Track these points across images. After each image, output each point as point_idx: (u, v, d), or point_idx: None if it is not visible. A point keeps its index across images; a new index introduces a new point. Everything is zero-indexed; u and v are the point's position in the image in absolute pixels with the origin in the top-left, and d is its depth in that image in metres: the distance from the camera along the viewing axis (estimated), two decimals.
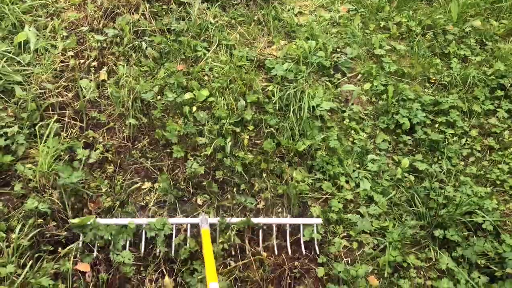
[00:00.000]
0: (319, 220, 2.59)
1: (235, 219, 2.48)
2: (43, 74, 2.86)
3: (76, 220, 2.28)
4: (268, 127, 2.98)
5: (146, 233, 2.36)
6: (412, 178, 2.93)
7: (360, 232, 2.64)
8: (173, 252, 2.35)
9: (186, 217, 2.53)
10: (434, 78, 3.56)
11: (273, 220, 2.55)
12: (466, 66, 3.68)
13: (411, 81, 3.53)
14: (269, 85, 3.22)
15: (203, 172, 2.68)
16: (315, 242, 2.53)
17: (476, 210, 2.70)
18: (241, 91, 3.08)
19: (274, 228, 2.55)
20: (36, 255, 2.19)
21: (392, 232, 2.61)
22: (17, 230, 2.21)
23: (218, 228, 2.44)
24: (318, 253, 2.51)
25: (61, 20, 3.26)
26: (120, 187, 2.57)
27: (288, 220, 2.56)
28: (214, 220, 2.46)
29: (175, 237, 2.39)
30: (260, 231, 2.51)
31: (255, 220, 2.51)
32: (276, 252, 2.47)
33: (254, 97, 3.06)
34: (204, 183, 2.67)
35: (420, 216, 2.76)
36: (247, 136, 2.93)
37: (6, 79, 2.72)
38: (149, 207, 2.54)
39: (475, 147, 3.19)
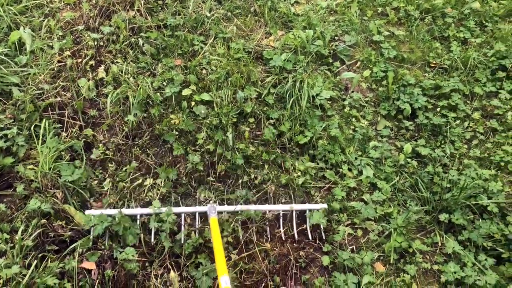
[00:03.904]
0: (324, 205, 2.60)
1: (242, 207, 2.49)
2: (40, 75, 2.85)
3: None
4: (269, 118, 2.96)
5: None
6: (415, 163, 2.91)
7: (364, 219, 2.63)
8: (182, 240, 2.35)
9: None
10: (434, 62, 3.53)
11: (280, 207, 2.56)
12: (466, 49, 3.64)
13: (411, 66, 3.50)
14: (268, 76, 3.20)
15: (202, 168, 2.67)
16: (321, 228, 2.54)
17: (481, 193, 2.68)
18: (239, 84, 3.07)
19: (281, 215, 2.56)
20: (41, 255, 2.20)
21: (396, 218, 2.59)
22: (20, 230, 2.22)
23: (223, 219, 2.44)
24: (324, 238, 2.52)
25: (57, 20, 3.24)
26: (123, 185, 2.56)
27: (294, 206, 2.58)
28: (223, 208, 2.47)
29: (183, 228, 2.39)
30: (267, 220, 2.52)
31: (261, 207, 2.52)
32: (283, 238, 2.49)
33: (253, 89, 3.05)
34: (205, 178, 2.67)
35: (425, 201, 2.75)
36: (248, 129, 2.91)
37: (3, 81, 2.72)
38: (153, 203, 2.54)
39: (478, 129, 3.16)
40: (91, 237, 2.29)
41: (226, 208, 2.49)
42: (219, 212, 2.45)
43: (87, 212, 2.34)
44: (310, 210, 2.58)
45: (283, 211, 2.56)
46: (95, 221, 2.26)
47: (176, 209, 2.44)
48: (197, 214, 2.46)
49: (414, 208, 2.67)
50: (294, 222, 2.55)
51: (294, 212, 2.56)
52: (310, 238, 2.52)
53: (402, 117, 3.18)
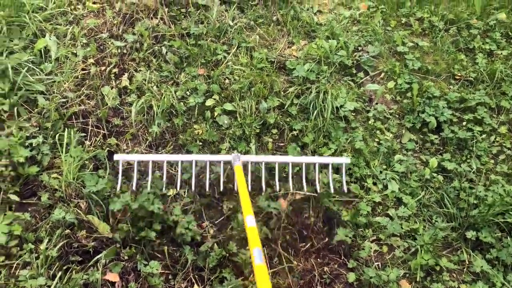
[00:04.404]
0: (348, 160, 2.68)
1: (267, 157, 2.63)
2: (64, 83, 2.86)
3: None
4: (292, 130, 2.93)
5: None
6: (441, 178, 2.86)
7: (390, 235, 2.58)
8: (207, 187, 2.52)
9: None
10: (459, 74, 3.47)
11: (303, 159, 2.67)
12: (492, 61, 3.57)
13: (436, 78, 3.45)
14: (291, 87, 3.17)
15: (226, 179, 2.65)
16: (344, 182, 2.66)
17: (510, 210, 2.62)
18: (262, 94, 3.04)
19: (304, 166, 2.65)
20: (65, 266, 2.18)
21: (423, 235, 2.54)
22: (45, 241, 2.21)
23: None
24: (345, 190, 2.64)
25: (81, 27, 3.26)
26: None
27: (316, 159, 2.69)
28: (247, 157, 2.57)
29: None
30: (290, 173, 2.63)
31: (284, 158, 2.67)
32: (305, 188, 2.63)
33: (276, 99, 3.02)
34: (229, 189, 2.64)
35: (451, 218, 2.69)
36: (271, 140, 2.88)
37: (28, 88, 2.73)
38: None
39: (505, 144, 3.09)
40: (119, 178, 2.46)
41: (251, 158, 2.58)
42: (244, 163, 2.53)
43: (115, 156, 2.52)
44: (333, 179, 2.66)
45: (305, 163, 2.65)
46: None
47: (201, 157, 2.58)
48: (221, 163, 2.57)
49: (440, 224, 2.62)
50: (316, 172, 2.64)
51: (317, 165, 2.65)
52: (332, 190, 2.62)
53: (427, 130, 3.13)
